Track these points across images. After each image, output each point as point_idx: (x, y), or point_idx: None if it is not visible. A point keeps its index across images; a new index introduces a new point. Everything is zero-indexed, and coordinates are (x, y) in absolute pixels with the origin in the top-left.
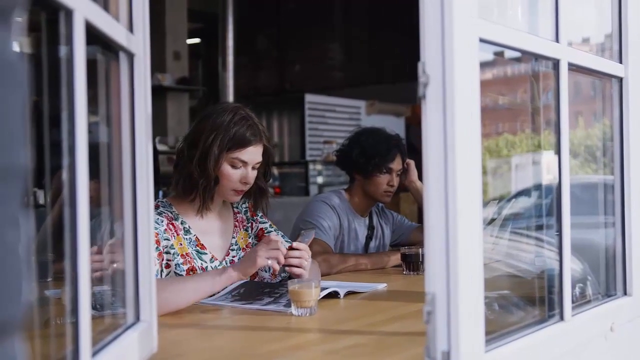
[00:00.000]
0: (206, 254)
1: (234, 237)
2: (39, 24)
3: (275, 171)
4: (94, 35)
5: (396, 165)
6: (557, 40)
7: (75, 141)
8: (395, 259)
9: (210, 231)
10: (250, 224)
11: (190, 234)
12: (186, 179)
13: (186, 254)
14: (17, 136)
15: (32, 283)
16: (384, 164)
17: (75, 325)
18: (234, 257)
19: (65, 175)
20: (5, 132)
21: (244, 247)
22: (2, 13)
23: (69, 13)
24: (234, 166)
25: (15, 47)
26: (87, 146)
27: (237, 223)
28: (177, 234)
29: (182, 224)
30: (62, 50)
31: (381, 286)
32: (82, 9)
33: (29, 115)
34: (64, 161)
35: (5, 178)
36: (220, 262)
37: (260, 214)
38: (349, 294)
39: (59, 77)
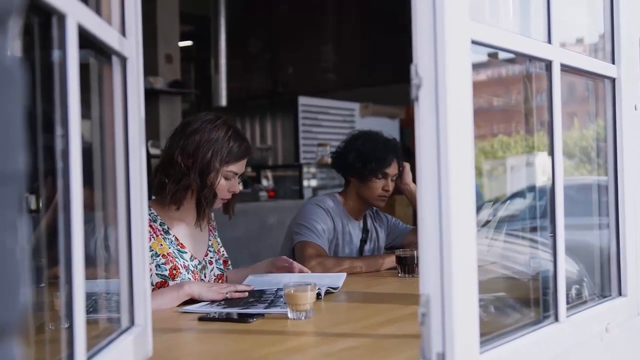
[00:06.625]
0: (186, 252)
1: (210, 240)
2: (31, 27)
3: (269, 174)
4: (85, 39)
5: (392, 170)
6: (549, 41)
7: (69, 145)
8: (390, 261)
9: (189, 233)
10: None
11: (170, 234)
12: (182, 190)
13: (167, 253)
14: (16, 141)
15: (29, 287)
16: (381, 169)
17: (70, 330)
18: (211, 258)
19: (59, 179)
20: (4, 137)
21: (217, 250)
22: None
23: (61, 17)
24: (227, 178)
25: (12, 52)
26: (81, 150)
27: (211, 228)
28: (157, 235)
29: (160, 225)
30: (55, 54)
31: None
32: (74, 13)
33: (26, 120)
34: (58, 165)
35: (4, 183)
36: (200, 262)
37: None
38: (328, 293)
39: (52, 81)
